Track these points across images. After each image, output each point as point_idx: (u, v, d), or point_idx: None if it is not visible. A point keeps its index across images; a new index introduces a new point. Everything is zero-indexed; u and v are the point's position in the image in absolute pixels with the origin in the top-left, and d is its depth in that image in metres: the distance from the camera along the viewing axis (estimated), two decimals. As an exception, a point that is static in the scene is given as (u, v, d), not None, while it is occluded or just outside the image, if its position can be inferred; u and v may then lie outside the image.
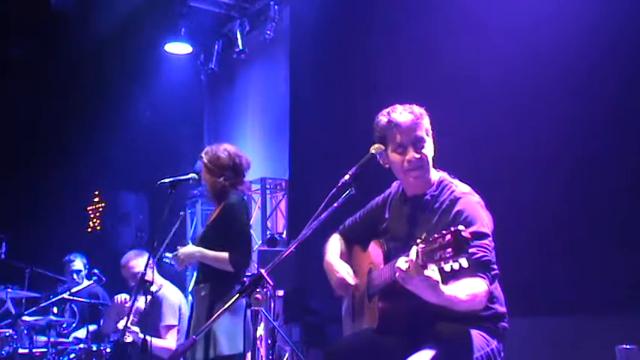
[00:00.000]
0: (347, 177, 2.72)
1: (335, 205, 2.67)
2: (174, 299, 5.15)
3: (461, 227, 2.15)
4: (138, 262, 5.13)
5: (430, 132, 2.83)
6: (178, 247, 4.15)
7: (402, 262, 2.29)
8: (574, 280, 4.25)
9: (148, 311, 4.87)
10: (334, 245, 3.15)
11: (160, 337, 4.99)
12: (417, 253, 2.24)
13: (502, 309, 2.76)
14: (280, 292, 6.73)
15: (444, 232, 2.17)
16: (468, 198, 2.71)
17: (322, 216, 2.63)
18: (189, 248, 4.12)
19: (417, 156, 2.75)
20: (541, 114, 4.58)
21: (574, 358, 4.21)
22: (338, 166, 2.91)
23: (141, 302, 4.65)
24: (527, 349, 4.14)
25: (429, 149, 2.80)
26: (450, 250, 2.14)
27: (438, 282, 2.27)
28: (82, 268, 6.59)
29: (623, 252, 4.05)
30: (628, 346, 3.60)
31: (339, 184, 2.71)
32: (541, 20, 4.63)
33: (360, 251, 3.11)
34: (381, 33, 6.03)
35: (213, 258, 3.95)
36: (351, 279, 2.94)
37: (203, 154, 4.18)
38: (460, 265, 2.16)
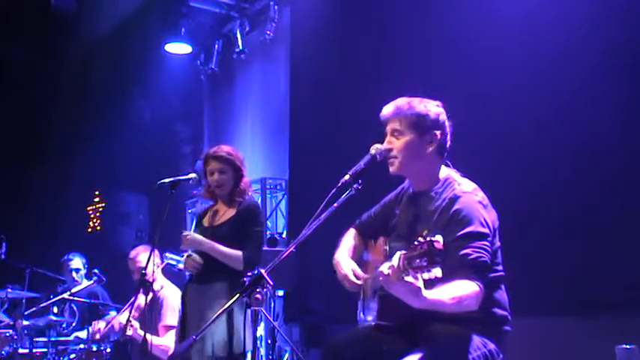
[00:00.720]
0: (347, 177, 2.71)
1: (335, 205, 2.67)
2: (175, 300, 5.15)
3: (437, 237, 2.16)
4: (146, 257, 5.13)
5: (422, 129, 2.77)
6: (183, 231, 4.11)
7: (384, 267, 2.29)
8: (574, 279, 4.25)
9: (148, 309, 4.87)
10: (347, 241, 3.14)
11: (157, 336, 4.99)
12: (400, 258, 2.24)
13: (502, 312, 2.73)
14: (280, 292, 6.73)
15: (422, 240, 2.18)
16: (467, 197, 2.69)
17: (322, 216, 2.63)
18: (199, 236, 4.08)
19: (387, 146, 2.78)
20: (549, 112, 4.58)
21: (574, 358, 4.21)
22: (338, 166, 2.90)
23: (141, 299, 4.66)
24: (527, 349, 4.14)
25: (402, 142, 2.76)
26: (425, 259, 2.16)
27: (419, 288, 2.26)
28: (80, 266, 6.58)
29: (623, 252, 4.05)
30: (628, 346, 3.60)
31: (339, 184, 2.71)
32: (552, 15, 4.62)
33: (373, 246, 3.12)
34: (382, 33, 6.03)
35: (225, 253, 3.97)
36: (354, 277, 2.94)
37: (228, 155, 4.13)
38: (435, 275, 2.17)
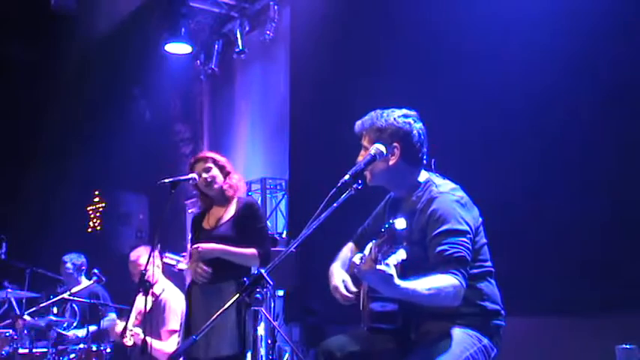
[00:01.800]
0: (347, 177, 2.73)
1: (335, 205, 2.67)
2: (178, 304, 5.13)
3: (397, 220, 2.22)
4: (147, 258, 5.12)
5: (382, 141, 2.81)
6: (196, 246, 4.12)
7: (357, 258, 2.35)
8: (573, 279, 4.25)
9: (150, 313, 4.85)
10: (343, 254, 3.18)
11: (160, 340, 4.98)
12: (371, 248, 2.31)
13: (493, 306, 2.75)
14: (280, 292, 6.73)
15: (386, 226, 2.25)
16: (444, 197, 2.72)
17: (322, 216, 2.64)
18: (210, 245, 4.07)
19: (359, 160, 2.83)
20: (545, 112, 4.58)
21: (574, 358, 4.21)
22: (338, 166, 2.91)
23: (140, 302, 4.64)
24: (527, 349, 4.15)
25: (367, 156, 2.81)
26: (390, 243, 2.24)
27: (391, 275, 2.30)
28: (72, 269, 6.53)
29: (622, 251, 4.05)
30: (628, 346, 3.60)
31: (339, 185, 2.72)
32: (545, 15, 4.62)
33: None
34: (382, 33, 6.03)
35: (240, 253, 3.99)
36: (344, 288, 2.95)
37: (208, 155, 4.25)
38: (402, 258, 2.26)
